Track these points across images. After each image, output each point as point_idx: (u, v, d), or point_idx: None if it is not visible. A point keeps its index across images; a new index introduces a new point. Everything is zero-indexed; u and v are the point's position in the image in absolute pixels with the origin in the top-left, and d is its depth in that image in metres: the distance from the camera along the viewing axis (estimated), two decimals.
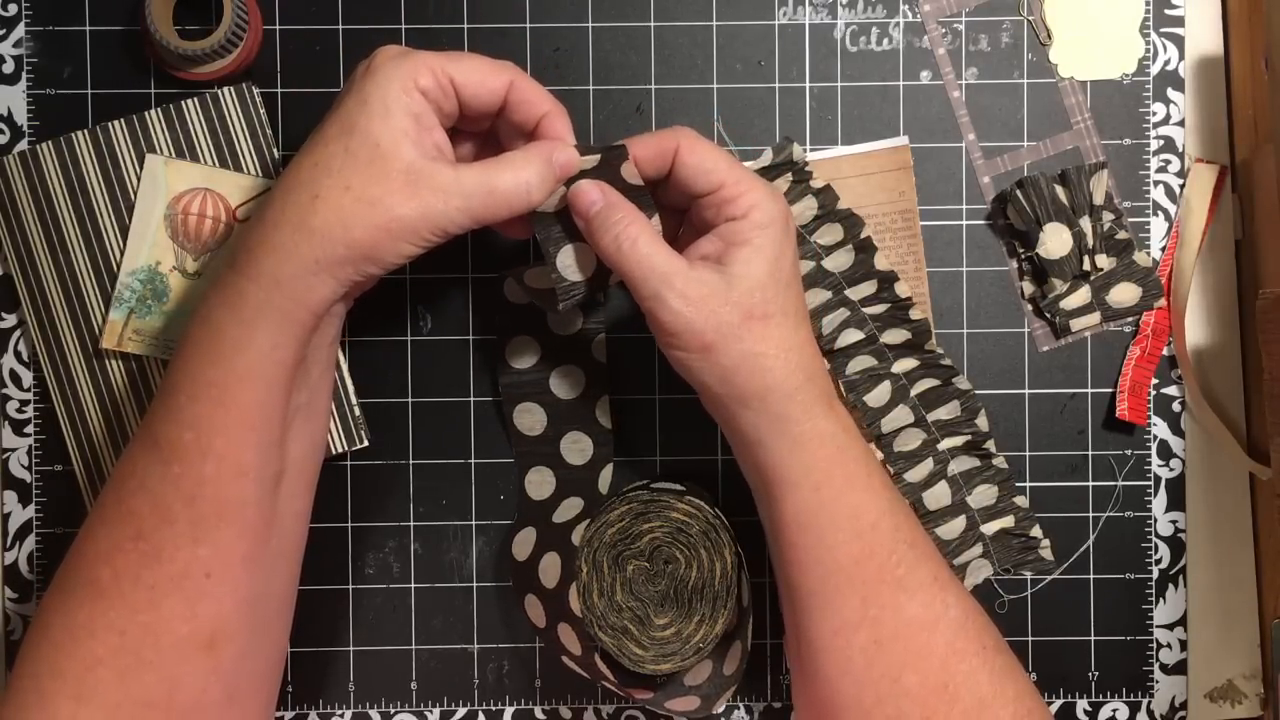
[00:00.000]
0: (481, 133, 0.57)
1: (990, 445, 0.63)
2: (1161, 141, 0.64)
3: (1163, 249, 0.64)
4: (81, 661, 0.49)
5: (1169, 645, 0.65)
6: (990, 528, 0.64)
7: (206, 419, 0.49)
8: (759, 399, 0.53)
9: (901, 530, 0.54)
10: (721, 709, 0.65)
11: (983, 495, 0.64)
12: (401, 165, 0.50)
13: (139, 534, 0.50)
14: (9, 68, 0.63)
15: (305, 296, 0.50)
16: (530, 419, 0.63)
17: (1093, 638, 0.64)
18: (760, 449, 0.54)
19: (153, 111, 0.62)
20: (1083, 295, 0.63)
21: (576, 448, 0.63)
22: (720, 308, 0.51)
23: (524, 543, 0.62)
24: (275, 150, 0.63)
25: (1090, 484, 0.64)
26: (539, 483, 0.63)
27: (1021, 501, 0.64)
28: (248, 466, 0.50)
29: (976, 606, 0.55)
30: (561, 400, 0.63)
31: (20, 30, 0.63)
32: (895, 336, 0.63)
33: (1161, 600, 0.65)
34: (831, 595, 0.54)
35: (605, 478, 0.62)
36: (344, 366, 0.63)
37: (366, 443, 0.63)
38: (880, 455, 0.63)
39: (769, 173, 0.62)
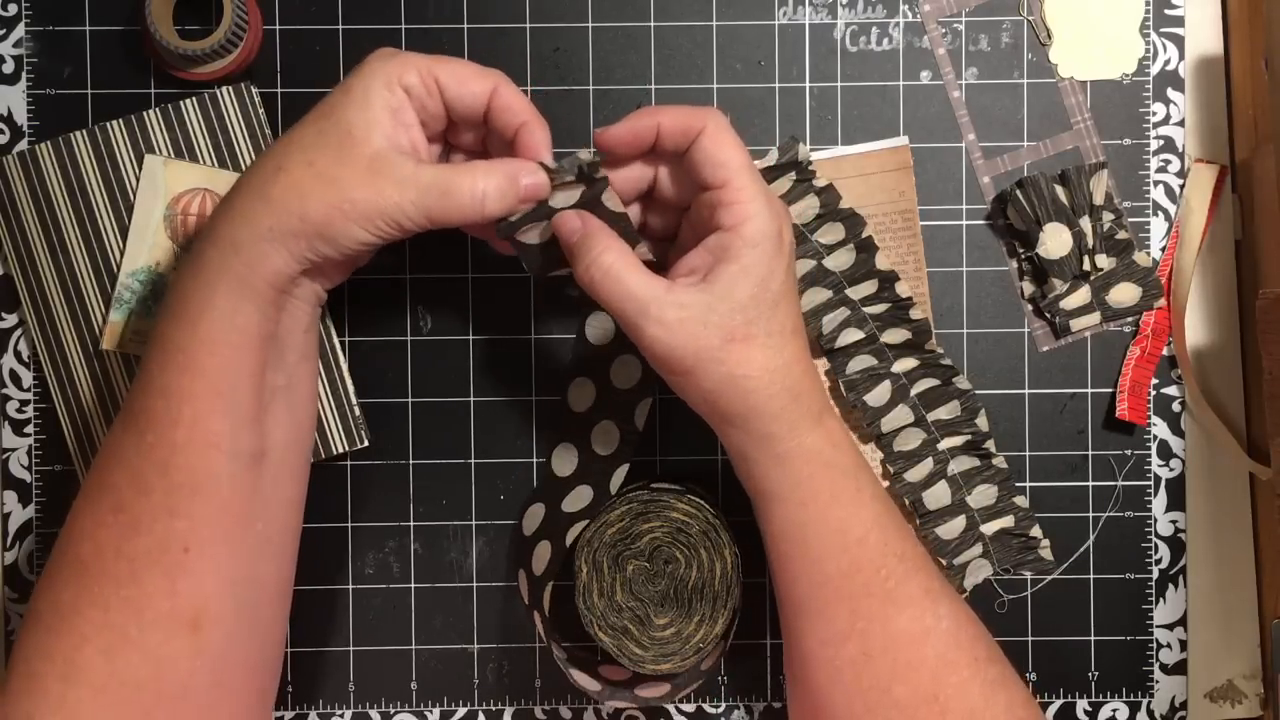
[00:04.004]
0: (475, 149, 0.57)
1: (990, 445, 0.63)
2: (1161, 141, 0.64)
3: (1163, 249, 0.64)
4: (69, 641, 0.49)
5: (1169, 645, 0.65)
6: (990, 528, 0.64)
7: (175, 385, 0.50)
8: (742, 419, 0.53)
9: (891, 544, 0.54)
10: (721, 710, 0.65)
11: (983, 495, 0.64)
12: (368, 151, 0.50)
13: (118, 506, 0.50)
14: (9, 68, 0.63)
15: (259, 264, 0.50)
16: (581, 394, 0.64)
17: (1093, 638, 0.64)
18: (748, 464, 0.54)
19: (152, 112, 0.62)
20: (1083, 295, 0.63)
21: (605, 437, 0.63)
22: (700, 332, 0.51)
23: (533, 517, 0.62)
24: None
25: (1090, 484, 0.64)
26: (564, 457, 0.64)
27: (1021, 501, 0.64)
28: (218, 436, 0.50)
29: (970, 617, 0.55)
30: (613, 386, 0.63)
31: (20, 30, 0.63)
32: (895, 336, 0.63)
33: (1161, 600, 0.65)
34: (821, 607, 0.54)
35: (618, 477, 0.62)
36: (344, 366, 0.63)
37: (366, 443, 0.63)
38: (880, 455, 0.64)
39: (773, 172, 0.62)
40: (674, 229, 0.57)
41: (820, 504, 0.53)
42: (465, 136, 0.56)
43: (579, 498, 0.62)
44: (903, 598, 0.53)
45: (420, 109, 0.52)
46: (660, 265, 0.56)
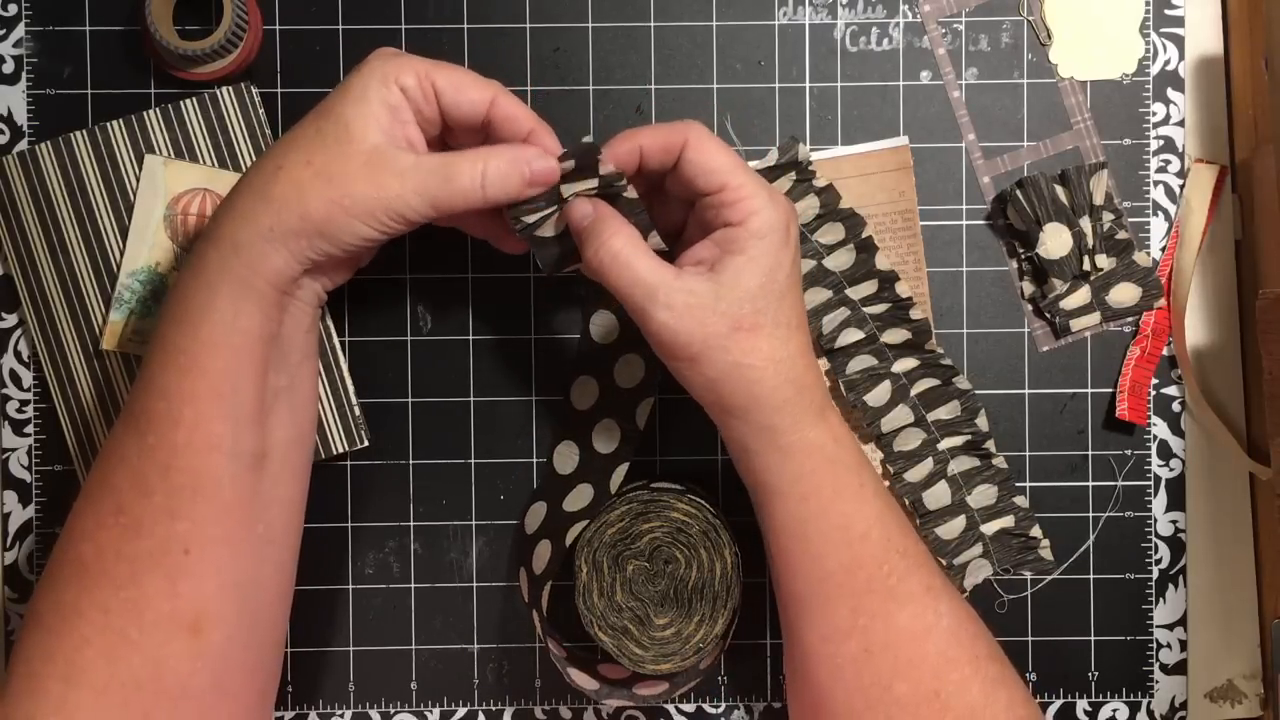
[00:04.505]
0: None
1: (990, 445, 0.63)
2: (1161, 141, 0.64)
3: (1163, 249, 0.64)
4: (70, 642, 0.49)
5: (1169, 645, 0.65)
6: (990, 528, 0.64)
7: (175, 387, 0.50)
8: (745, 410, 0.53)
9: (893, 540, 0.54)
10: (721, 710, 0.65)
11: (983, 495, 0.64)
12: (366, 147, 0.50)
13: (119, 508, 0.50)
14: (9, 68, 0.63)
15: (260, 264, 0.50)
16: (583, 392, 0.64)
17: (1093, 638, 0.64)
18: (750, 457, 0.54)
19: (152, 112, 0.62)
20: (1083, 295, 0.63)
21: (607, 434, 0.63)
22: (707, 318, 0.51)
23: (535, 516, 0.63)
24: None
25: (1090, 484, 0.64)
26: (566, 455, 0.64)
27: (1021, 501, 0.64)
28: (220, 438, 0.50)
29: (971, 614, 0.55)
30: (616, 385, 0.63)
31: (20, 30, 0.63)
32: (895, 336, 0.63)
33: (1161, 600, 0.65)
34: (822, 603, 0.54)
35: (618, 476, 0.62)
36: (344, 366, 0.63)
37: (366, 443, 0.63)
38: (880, 454, 0.64)
39: (774, 172, 0.62)
40: (681, 224, 0.58)
41: (823, 499, 0.53)
42: (463, 142, 0.56)
43: (580, 496, 0.62)
44: (904, 594, 0.53)
45: (416, 112, 0.52)
46: (670, 258, 0.56)
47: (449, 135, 0.56)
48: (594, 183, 0.54)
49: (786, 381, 0.52)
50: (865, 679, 0.53)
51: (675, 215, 0.57)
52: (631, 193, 0.54)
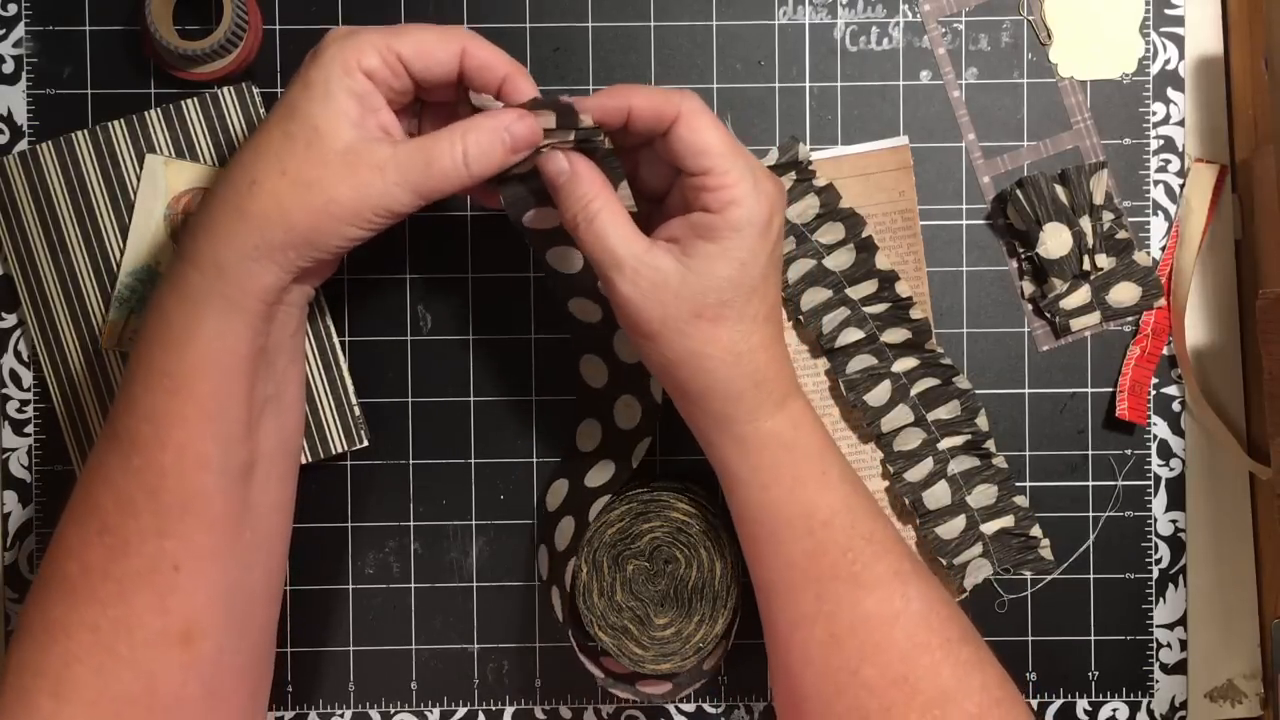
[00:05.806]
0: (451, 100, 0.54)
1: (990, 445, 0.63)
2: (1161, 141, 0.64)
3: (1163, 249, 0.64)
4: (59, 659, 0.49)
5: (1169, 645, 0.65)
6: (990, 527, 0.64)
7: (163, 410, 0.49)
8: (701, 397, 0.52)
9: (859, 525, 0.54)
10: (721, 710, 0.65)
11: (982, 495, 0.64)
12: (339, 146, 0.48)
13: (104, 528, 0.49)
14: (9, 68, 0.63)
15: (249, 283, 0.49)
16: (593, 369, 0.63)
17: (1093, 638, 0.64)
18: (708, 444, 0.54)
19: (152, 111, 0.62)
20: (1083, 295, 0.63)
21: (627, 410, 0.62)
22: (670, 300, 0.50)
23: (556, 494, 0.62)
24: None
25: (1090, 484, 0.64)
26: (588, 434, 0.63)
27: (1021, 501, 0.64)
28: (208, 458, 0.49)
29: (944, 598, 0.55)
30: (622, 361, 0.63)
31: (20, 30, 0.63)
32: (895, 336, 0.63)
33: (1161, 600, 0.65)
34: (788, 590, 0.54)
35: (639, 452, 0.61)
36: (344, 366, 0.63)
37: (366, 443, 0.63)
38: (880, 454, 0.64)
39: (774, 172, 0.62)
40: (667, 185, 0.55)
41: (783, 487, 0.53)
42: (437, 94, 0.54)
43: (600, 473, 0.61)
44: (870, 580, 0.53)
45: (387, 90, 0.50)
46: (649, 220, 0.54)
47: (423, 93, 0.53)
48: (570, 135, 0.52)
49: (743, 374, 0.52)
50: (833, 664, 0.53)
51: (661, 174, 0.55)
52: (607, 145, 0.53)
